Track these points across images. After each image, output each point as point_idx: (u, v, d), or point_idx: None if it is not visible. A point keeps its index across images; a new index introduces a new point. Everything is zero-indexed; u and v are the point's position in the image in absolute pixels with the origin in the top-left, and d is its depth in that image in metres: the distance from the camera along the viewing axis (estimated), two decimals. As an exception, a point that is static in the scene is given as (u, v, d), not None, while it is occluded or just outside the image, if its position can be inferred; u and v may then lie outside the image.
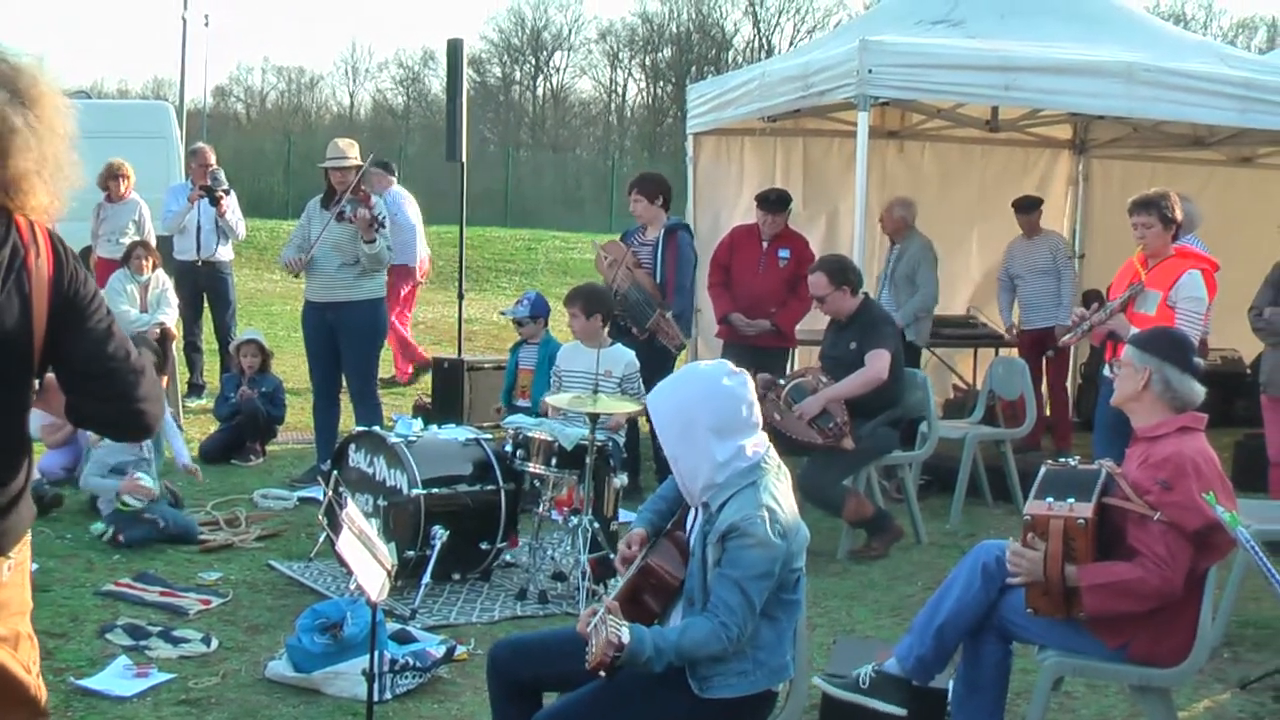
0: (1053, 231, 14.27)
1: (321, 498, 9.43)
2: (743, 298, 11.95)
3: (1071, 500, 5.71)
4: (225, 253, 14.79)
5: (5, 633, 3.80)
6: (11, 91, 3.52)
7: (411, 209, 16.66)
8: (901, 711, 6.02)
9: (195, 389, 14.80)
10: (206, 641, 7.46)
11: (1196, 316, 8.93)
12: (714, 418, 4.76)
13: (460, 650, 7.29)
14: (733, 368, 4.92)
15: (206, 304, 14.95)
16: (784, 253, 12.01)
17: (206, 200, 14.31)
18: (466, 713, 6.66)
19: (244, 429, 12.25)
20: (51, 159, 3.59)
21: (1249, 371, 14.19)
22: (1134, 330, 8.37)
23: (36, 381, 3.70)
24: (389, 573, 5.29)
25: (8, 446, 3.73)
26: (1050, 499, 5.76)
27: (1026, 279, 13.67)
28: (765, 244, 12.03)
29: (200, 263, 14.51)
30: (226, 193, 14.41)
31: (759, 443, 4.86)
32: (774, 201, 12.05)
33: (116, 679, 6.87)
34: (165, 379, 13.46)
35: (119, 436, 4.18)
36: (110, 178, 14.79)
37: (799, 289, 11.65)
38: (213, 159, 14.74)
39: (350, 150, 11.11)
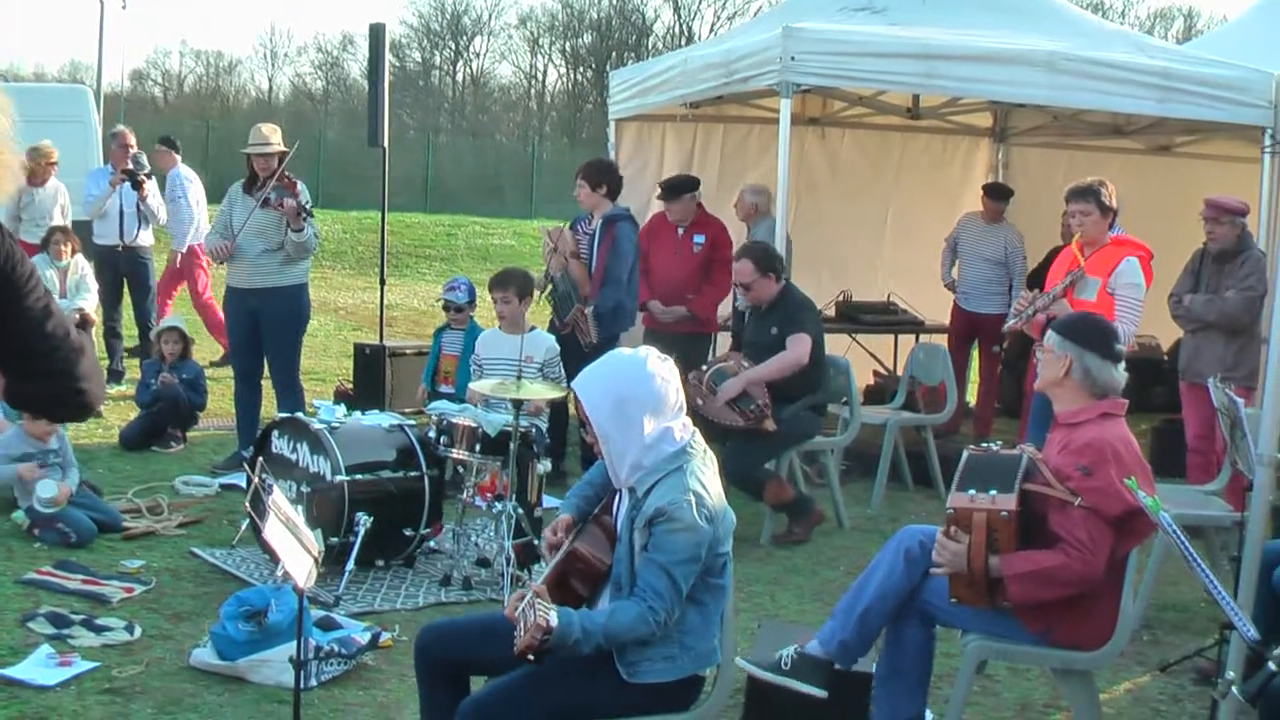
0: (1010, 225, 14.38)
1: (244, 484, 9.44)
2: (659, 285, 12.01)
3: (994, 491, 5.73)
4: (145, 238, 14.65)
5: None
6: None
7: (196, 191, 16.32)
8: (822, 693, 6.04)
9: (115, 375, 14.66)
10: (130, 629, 7.42)
11: (1136, 303, 9.03)
12: (644, 398, 4.80)
13: (385, 637, 7.29)
14: (658, 354, 4.96)
15: (126, 289, 14.82)
16: (699, 239, 12.07)
17: (128, 184, 14.18)
18: (392, 699, 6.65)
19: (165, 416, 12.14)
20: None
21: (1167, 358, 14.36)
22: None
23: None
24: (315, 560, 5.28)
25: None
26: (973, 490, 5.79)
27: (972, 263, 13.80)
28: (681, 231, 12.09)
29: (121, 248, 14.38)
30: (149, 176, 14.29)
31: (685, 427, 4.90)
32: (669, 188, 12.14)
33: (39, 668, 6.81)
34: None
35: (60, 417, 3.97)
36: (36, 161, 14.66)
37: (714, 275, 11.74)
38: (134, 142, 14.61)
39: (273, 136, 11.06)
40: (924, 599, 6.00)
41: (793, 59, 10.44)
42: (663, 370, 4.88)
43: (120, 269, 14.53)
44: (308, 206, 10.76)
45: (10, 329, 3.44)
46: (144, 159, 14.43)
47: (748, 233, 12.80)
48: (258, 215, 10.79)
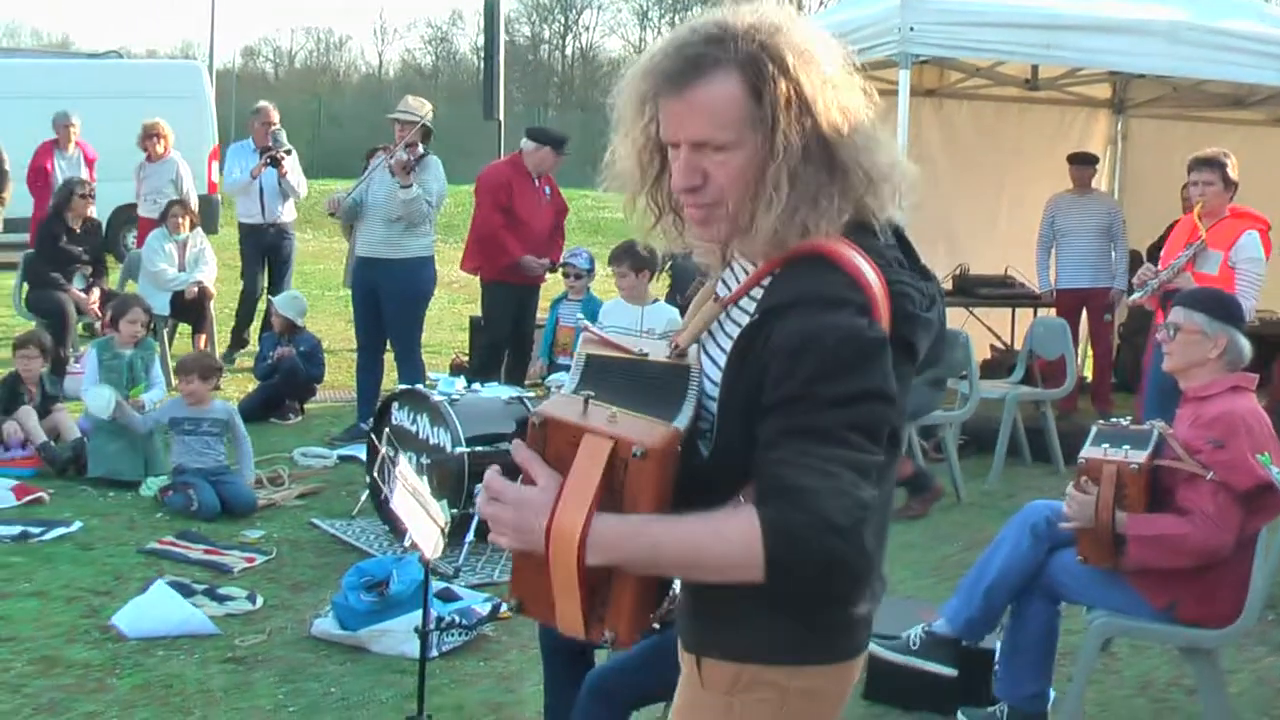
0: (1104, 192, 14.19)
1: (362, 456, 9.49)
2: (530, 237, 12.29)
3: (1127, 448, 5.70)
4: (288, 213, 14.59)
5: None
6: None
7: None
8: (952, 671, 6.04)
9: (242, 343, 14.65)
10: (251, 599, 7.50)
11: (1257, 277, 8.91)
12: None
13: (505, 608, 7.28)
14: None
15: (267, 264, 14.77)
16: (547, 190, 12.51)
17: (270, 164, 14.11)
18: (512, 670, 6.66)
19: (282, 388, 12.24)
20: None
21: (1289, 332, 14.12)
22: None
23: None
24: (442, 530, 5.29)
25: None
26: (1106, 445, 5.77)
27: (1074, 236, 13.51)
28: (535, 181, 12.34)
29: (267, 225, 14.35)
30: (288, 153, 14.24)
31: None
32: (557, 139, 12.59)
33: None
34: (203, 338, 13.51)
35: None
36: (147, 138, 14.84)
37: (561, 225, 12.58)
38: (275, 119, 14.46)
39: (420, 108, 11.21)
40: (1050, 574, 5.96)
41: (911, 29, 10.31)
42: None
43: (265, 244, 14.53)
44: (414, 163, 10.82)
45: None
46: (283, 136, 14.35)
47: None
48: (386, 184, 10.86)
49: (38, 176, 15.93)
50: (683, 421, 2.71)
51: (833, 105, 2.73)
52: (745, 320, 2.76)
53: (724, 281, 2.93)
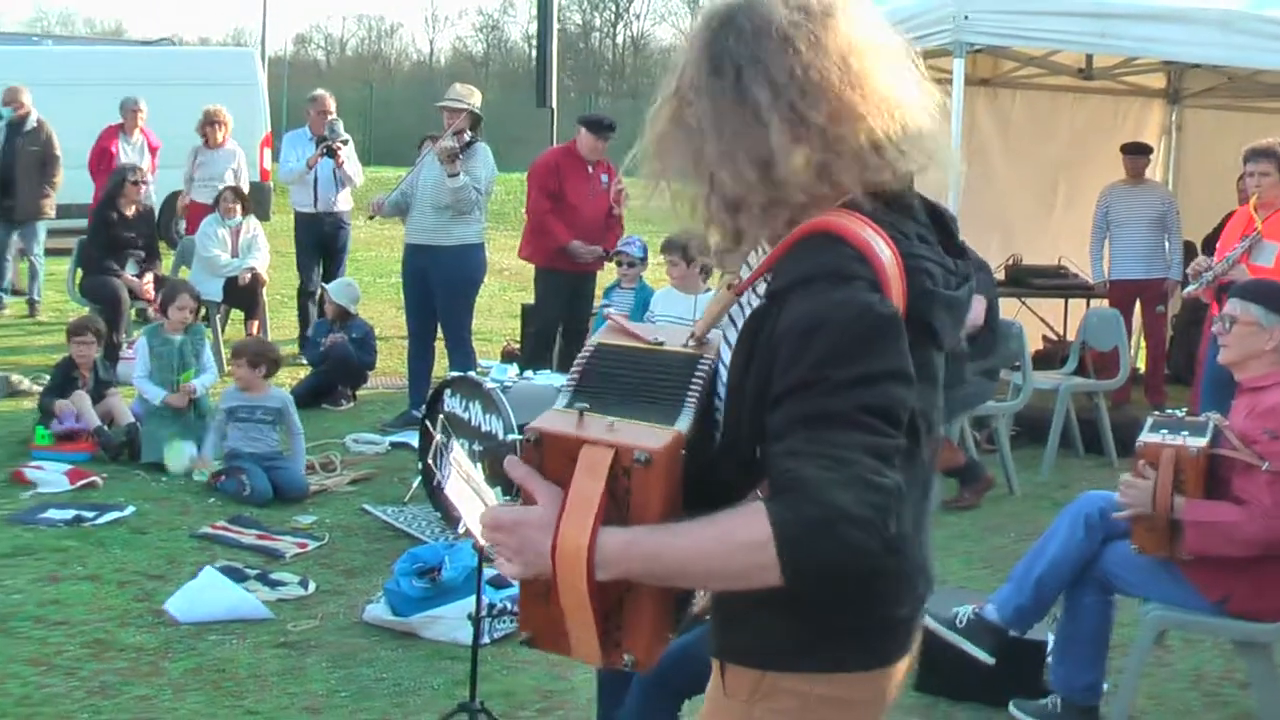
0: (1158, 183, 14.11)
1: (414, 443, 9.51)
2: (581, 224, 12.23)
3: (1184, 434, 5.67)
4: (344, 202, 14.43)
5: None
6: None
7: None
8: (989, 659, 6.00)
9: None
10: (304, 584, 7.53)
11: None
12: None
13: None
14: None
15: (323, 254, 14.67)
16: (604, 177, 12.45)
17: (325, 155, 14.07)
18: (564, 657, 6.64)
19: (334, 374, 12.27)
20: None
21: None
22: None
23: None
24: (496, 517, 5.28)
25: None
26: (1164, 432, 5.74)
27: (1128, 227, 13.43)
28: (590, 168, 12.36)
29: (324, 214, 14.19)
30: (344, 143, 14.19)
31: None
32: (605, 125, 12.51)
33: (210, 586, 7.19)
34: (255, 324, 13.55)
35: None
36: (208, 124, 14.90)
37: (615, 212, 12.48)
38: (332, 107, 14.39)
39: (469, 96, 11.22)
40: (1103, 566, 5.93)
41: (966, 18, 10.26)
42: None
43: (321, 233, 14.36)
44: (458, 151, 10.83)
45: None
46: (339, 126, 14.27)
47: None
48: (435, 171, 10.90)
49: (101, 159, 15.97)
50: (684, 423, 2.62)
51: (699, 97, 2.72)
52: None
53: (748, 265, 2.83)
